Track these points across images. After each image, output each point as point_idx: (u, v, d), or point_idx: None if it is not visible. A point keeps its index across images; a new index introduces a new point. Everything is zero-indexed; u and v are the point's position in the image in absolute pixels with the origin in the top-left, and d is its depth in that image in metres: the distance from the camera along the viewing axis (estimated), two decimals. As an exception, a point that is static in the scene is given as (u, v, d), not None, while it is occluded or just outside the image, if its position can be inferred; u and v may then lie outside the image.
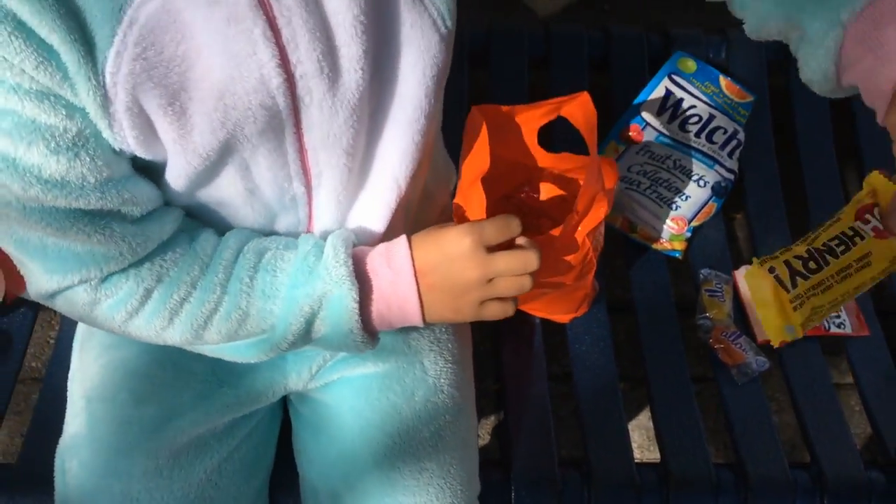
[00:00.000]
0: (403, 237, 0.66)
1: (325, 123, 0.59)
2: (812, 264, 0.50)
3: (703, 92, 1.06)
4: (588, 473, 0.88)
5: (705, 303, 1.00)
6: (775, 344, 0.54)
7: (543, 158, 0.84)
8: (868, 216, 0.50)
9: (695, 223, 1.02)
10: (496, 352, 0.98)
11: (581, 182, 0.81)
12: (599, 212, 0.73)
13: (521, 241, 0.65)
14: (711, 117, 1.05)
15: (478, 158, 0.69)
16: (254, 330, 0.65)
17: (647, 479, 0.89)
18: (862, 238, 0.50)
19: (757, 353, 0.96)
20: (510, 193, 0.94)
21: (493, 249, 0.64)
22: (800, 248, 0.52)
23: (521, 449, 0.89)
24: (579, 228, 0.73)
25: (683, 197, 1.02)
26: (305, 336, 0.65)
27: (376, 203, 0.67)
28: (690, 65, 1.08)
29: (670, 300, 1.01)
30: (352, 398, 0.79)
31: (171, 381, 0.75)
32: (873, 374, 0.98)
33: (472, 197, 0.68)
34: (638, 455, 0.92)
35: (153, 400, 0.74)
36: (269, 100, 0.56)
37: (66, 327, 0.93)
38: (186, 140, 0.56)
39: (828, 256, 0.51)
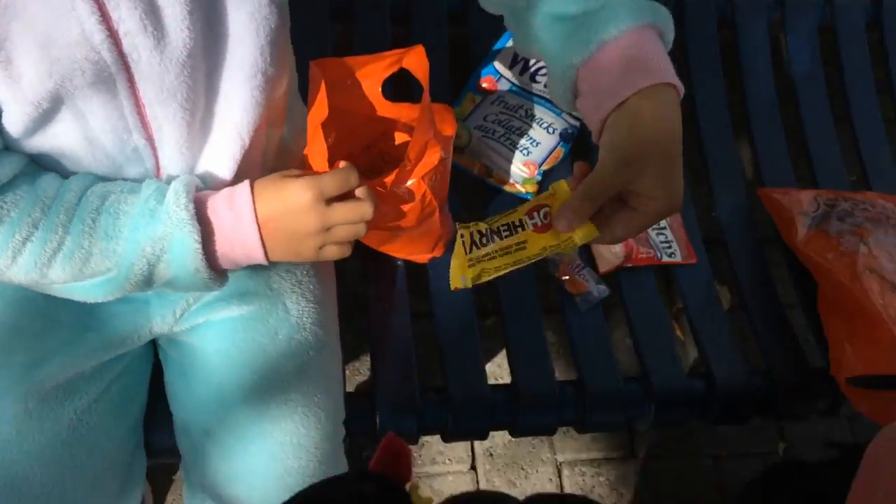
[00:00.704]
0: (246, 182, 0.71)
1: (158, 79, 0.63)
2: (485, 239, 0.66)
3: (551, 43, 1.14)
4: (446, 397, 0.97)
5: (554, 239, 1.09)
6: (453, 287, 0.67)
7: (388, 109, 0.90)
8: (535, 214, 0.66)
9: (545, 167, 1.11)
10: (363, 292, 1.05)
11: None
12: (433, 157, 0.79)
13: (358, 191, 0.72)
14: (558, 67, 1.13)
15: (318, 110, 0.74)
16: (98, 269, 0.69)
17: (499, 398, 0.99)
18: (523, 229, 0.66)
19: (598, 282, 1.07)
20: (370, 144, 1.00)
21: (331, 200, 0.70)
22: (483, 225, 0.67)
23: (385, 378, 0.97)
24: (413, 174, 0.79)
25: (534, 143, 1.10)
26: (150, 276, 0.70)
27: (222, 155, 0.72)
28: (539, 17, 1.15)
29: (523, 238, 1.10)
30: (218, 340, 0.84)
31: (38, 329, 0.79)
32: (699, 297, 1.10)
33: (314, 147, 0.73)
34: (492, 380, 1.01)
35: (20, 348, 0.77)
36: (94, 54, 0.59)
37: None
38: (16, 88, 0.59)
39: (495, 237, 0.66)
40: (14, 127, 0.63)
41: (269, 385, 0.83)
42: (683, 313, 1.11)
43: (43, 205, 0.66)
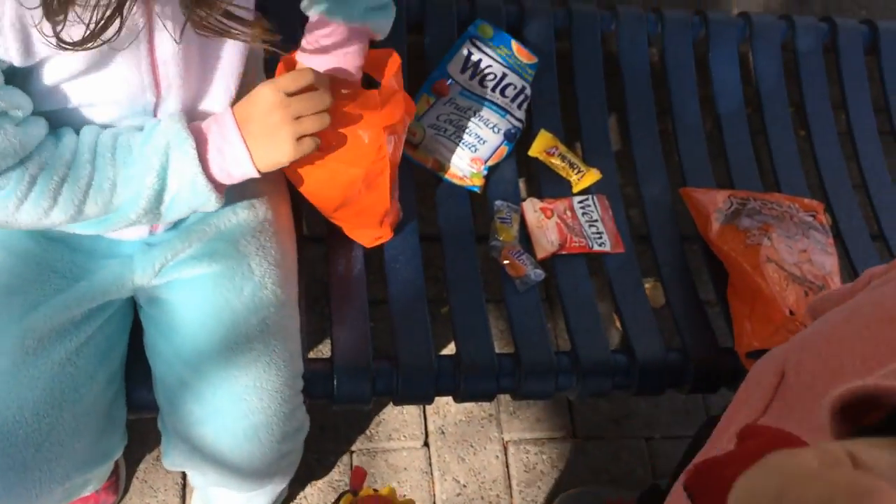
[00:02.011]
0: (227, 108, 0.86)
1: (172, 42, 0.76)
2: None
3: (498, 54, 1.27)
4: (396, 364, 1.09)
5: (497, 228, 1.22)
6: None
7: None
8: None
9: (490, 163, 1.24)
10: (326, 272, 1.16)
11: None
12: (395, 112, 0.93)
13: (317, 85, 0.86)
14: (504, 75, 1.26)
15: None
16: (121, 195, 0.82)
17: (444, 366, 1.11)
18: None
19: (535, 266, 1.20)
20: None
21: (293, 95, 0.83)
22: None
23: (343, 347, 1.09)
24: (374, 123, 0.91)
25: (481, 141, 1.23)
26: (161, 191, 0.83)
27: (212, 109, 0.86)
28: (488, 30, 1.29)
29: (470, 227, 1.23)
30: (190, 294, 0.96)
31: (34, 276, 0.90)
32: (624, 282, 1.24)
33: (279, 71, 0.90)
34: (438, 349, 1.13)
35: (19, 292, 0.89)
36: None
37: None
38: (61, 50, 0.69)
39: None
40: (55, 77, 0.75)
41: (235, 335, 0.95)
42: (610, 296, 1.24)
43: (71, 150, 0.80)
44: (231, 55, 0.85)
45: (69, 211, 0.81)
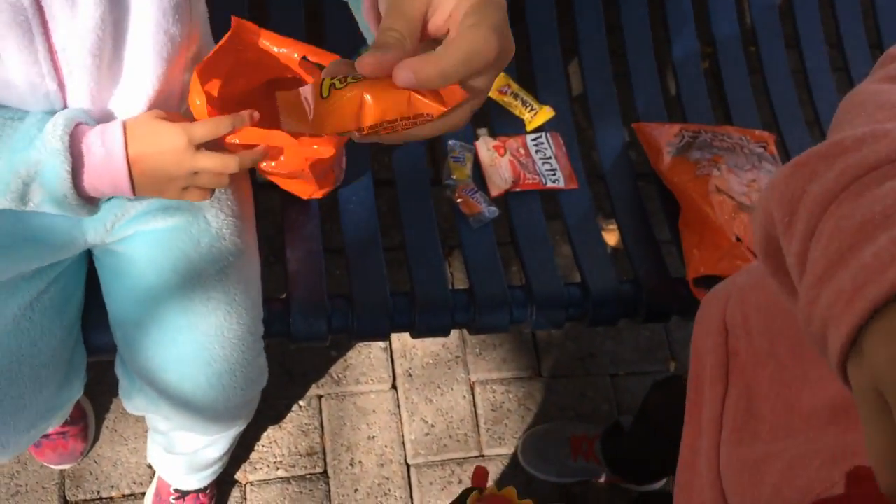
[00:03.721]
0: (119, 121, 0.77)
1: (69, 26, 0.69)
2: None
3: (448, -8, 1.27)
4: (350, 301, 1.11)
5: (451, 167, 1.23)
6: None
7: (289, 59, 0.95)
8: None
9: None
10: (282, 216, 1.17)
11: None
12: (323, 150, 0.90)
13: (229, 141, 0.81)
14: (454, 14, 1.26)
15: (206, 61, 0.83)
16: None
17: (399, 303, 1.13)
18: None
19: (489, 204, 1.22)
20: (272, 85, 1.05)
21: (201, 146, 0.78)
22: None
23: (299, 285, 1.10)
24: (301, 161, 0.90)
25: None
26: (24, 195, 0.76)
27: (131, 98, 0.79)
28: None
29: (424, 167, 1.24)
30: (146, 248, 0.95)
31: None
32: (578, 217, 1.26)
33: (194, 96, 0.82)
34: (393, 288, 1.15)
35: None
36: None
37: None
38: None
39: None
40: None
41: (194, 286, 0.95)
42: (564, 235, 1.26)
43: None
44: (149, 38, 0.74)
45: None
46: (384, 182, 1.25)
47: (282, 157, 0.92)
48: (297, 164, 0.91)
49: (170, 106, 0.85)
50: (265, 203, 1.16)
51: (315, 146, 0.89)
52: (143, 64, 0.77)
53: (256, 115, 0.83)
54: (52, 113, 0.76)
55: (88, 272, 1.02)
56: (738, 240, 1.13)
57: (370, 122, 0.44)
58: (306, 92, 0.46)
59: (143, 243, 0.96)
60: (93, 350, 1.02)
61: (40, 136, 0.73)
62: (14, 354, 0.89)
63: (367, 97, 0.43)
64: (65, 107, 0.77)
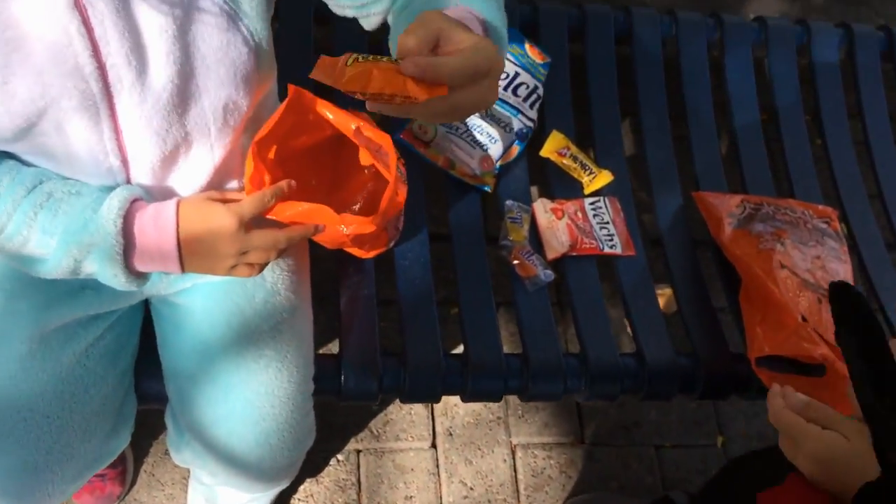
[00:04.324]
0: (174, 201, 0.78)
1: (136, 108, 0.71)
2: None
3: (511, 53, 1.27)
4: (403, 361, 1.09)
5: (507, 228, 1.22)
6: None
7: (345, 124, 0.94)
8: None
9: (501, 162, 1.24)
10: (336, 268, 1.16)
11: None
12: (363, 227, 0.88)
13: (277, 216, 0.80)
14: (517, 74, 1.26)
15: (262, 133, 0.83)
16: (34, 252, 0.77)
17: (452, 364, 1.10)
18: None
19: (545, 267, 1.20)
20: (327, 154, 1.05)
21: (250, 225, 0.78)
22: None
23: (351, 344, 1.08)
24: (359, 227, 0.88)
25: (493, 140, 1.23)
26: (76, 270, 0.77)
27: (193, 171, 0.80)
28: (503, 31, 1.28)
29: (481, 227, 1.23)
30: (203, 300, 0.95)
31: (40, 282, 0.86)
32: (634, 285, 1.23)
33: (248, 169, 0.82)
34: (444, 347, 1.12)
35: (24, 296, 0.87)
36: (83, 84, 0.67)
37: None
38: (9, 104, 0.66)
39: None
40: (1, 133, 0.70)
41: (247, 342, 0.94)
42: (619, 298, 1.24)
43: None
44: (215, 114, 0.76)
45: None
46: (440, 237, 1.24)
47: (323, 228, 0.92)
48: (339, 237, 0.91)
49: (230, 171, 0.86)
50: (316, 249, 1.16)
51: (354, 225, 0.89)
52: (206, 138, 0.78)
53: (293, 183, 0.83)
54: (112, 187, 0.77)
55: (143, 319, 1.02)
56: (804, 319, 1.09)
57: (372, 90, 0.58)
58: (339, 60, 0.60)
59: (200, 295, 0.96)
60: (144, 399, 1.01)
61: (95, 217, 0.74)
62: (66, 402, 0.88)
63: (375, 72, 0.58)
64: (127, 180, 0.78)
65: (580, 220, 1.24)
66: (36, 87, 0.66)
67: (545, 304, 1.18)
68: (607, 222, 1.25)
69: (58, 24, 0.64)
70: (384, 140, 0.92)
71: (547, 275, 1.19)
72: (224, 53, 0.72)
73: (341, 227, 0.88)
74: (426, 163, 1.23)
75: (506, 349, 1.15)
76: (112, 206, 0.74)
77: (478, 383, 1.10)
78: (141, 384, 1.01)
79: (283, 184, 0.82)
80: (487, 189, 1.24)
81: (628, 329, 1.20)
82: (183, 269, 0.79)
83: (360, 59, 0.59)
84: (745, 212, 1.25)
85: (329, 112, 0.92)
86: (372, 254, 1.12)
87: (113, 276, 0.77)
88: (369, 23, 0.83)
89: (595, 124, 1.34)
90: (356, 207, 1.09)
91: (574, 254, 1.22)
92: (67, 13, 0.64)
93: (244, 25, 0.73)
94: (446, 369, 1.10)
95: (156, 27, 0.68)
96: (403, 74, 0.59)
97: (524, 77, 1.26)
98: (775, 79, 1.45)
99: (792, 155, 1.41)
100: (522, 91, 1.25)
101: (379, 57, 0.60)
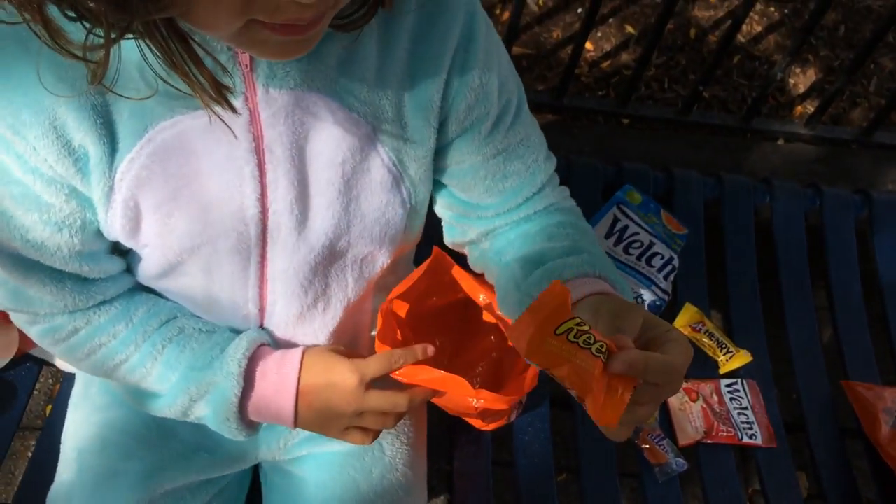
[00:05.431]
0: (300, 350, 0.75)
1: (288, 258, 0.69)
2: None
3: (646, 222, 1.22)
4: (520, 551, 0.99)
5: (636, 407, 1.13)
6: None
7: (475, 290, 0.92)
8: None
9: (632, 335, 1.16)
10: (451, 438, 1.09)
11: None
12: (498, 403, 0.82)
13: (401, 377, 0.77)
14: (651, 244, 1.21)
15: (400, 288, 0.81)
16: (152, 387, 0.75)
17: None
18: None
19: (677, 455, 1.09)
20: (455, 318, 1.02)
21: (371, 384, 0.74)
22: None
23: (464, 525, 1.00)
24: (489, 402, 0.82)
25: (623, 311, 1.16)
26: (187, 410, 0.75)
27: (326, 324, 0.77)
28: (636, 197, 1.25)
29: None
30: (317, 472, 0.90)
31: (155, 440, 0.85)
32: (777, 482, 1.11)
33: (381, 328, 0.80)
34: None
35: (138, 456, 0.84)
36: (242, 226, 0.65)
37: (66, 385, 1.03)
38: (165, 239, 0.65)
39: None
40: (147, 268, 0.70)
41: None
42: (760, 496, 1.11)
43: (128, 321, 0.73)
44: (358, 271, 0.75)
45: (97, 371, 0.75)
46: (561, 405, 1.16)
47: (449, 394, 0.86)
48: (467, 408, 0.85)
49: (359, 328, 0.82)
50: (431, 411, 1.10)
51: (487, 400, 0.82)
52: (343, 293, 0.76)
53: (431, 349, 0.79)
54: (242, 331, 0.76)
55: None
56: None
57: (555, 374, 0.52)
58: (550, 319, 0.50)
59: (315, 466, 0.90)
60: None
61: (221, 357, 0.73)
62: None
63: (567, 367, 0.51)
64: (260, 327, 0.76)
65: (716, 404, 1.14)
66: (196, 224, 0.65)
67: (676, 495, 1.07)
68: (746, 408, 1.15)
69: (234, 165, 0.63)
70: None
71: (679, 464, 1.08)
72: (381, 213, 0.70)
73: (472, 400, 0.82)
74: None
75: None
76: (240, 346, 0.73)
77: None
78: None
79: (419, 348, 0.78)
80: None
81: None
82: (296, 423, 0.75)
83: (573, 332, 0.50)
84: (904, 408, 1.12)
85: (463, 281, 0.89)
86: (492, 426, 1.05)
87: (224, 421, 0.74)
88: (463, 233, 0.81)
89: (732, 299, 1.26)
90: (478, 373, 1.04)
91: (709, 441, 1.11)
92: (246, 155, 0.63)
93: (405, 188, 0.71)
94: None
95: (324, 179, 0.66)
96: (601, 370, 0.51)
97: (659, 247, 1.21)
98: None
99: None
100: (657, 262, 1.20)
101: (591, 338, 0.51)
